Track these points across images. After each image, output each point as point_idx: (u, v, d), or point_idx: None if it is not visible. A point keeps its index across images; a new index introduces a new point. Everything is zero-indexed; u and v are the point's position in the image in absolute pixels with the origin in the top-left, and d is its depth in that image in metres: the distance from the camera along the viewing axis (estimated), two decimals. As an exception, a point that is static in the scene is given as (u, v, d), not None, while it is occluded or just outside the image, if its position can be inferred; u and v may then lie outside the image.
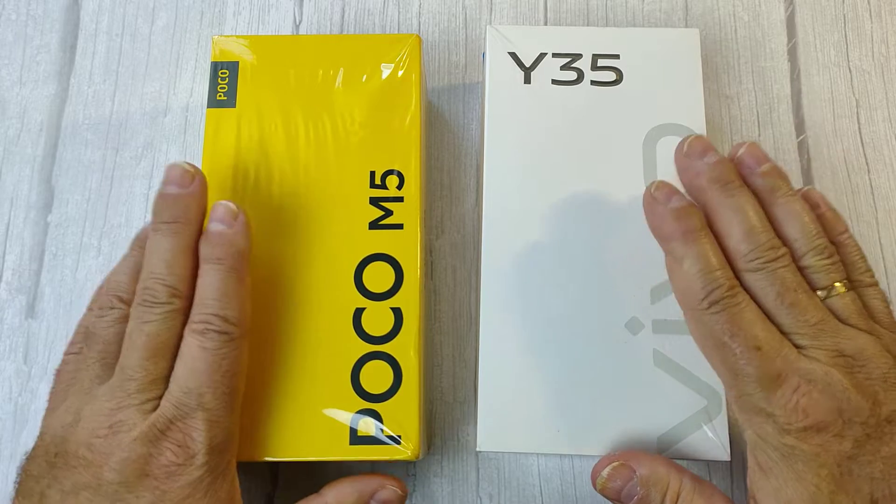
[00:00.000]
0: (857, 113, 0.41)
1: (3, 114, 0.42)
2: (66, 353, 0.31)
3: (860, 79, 0.42)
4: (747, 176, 0.31)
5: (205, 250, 0.30)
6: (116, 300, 0.31)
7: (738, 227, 0.29)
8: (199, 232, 0.31)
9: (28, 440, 0.37)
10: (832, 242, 0.30)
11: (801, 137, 0.41)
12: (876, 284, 0.31)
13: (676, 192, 0.31)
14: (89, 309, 0.31)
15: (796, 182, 0.40)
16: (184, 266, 0.30)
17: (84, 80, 0.43)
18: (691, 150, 0.31)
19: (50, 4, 0.44)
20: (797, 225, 0.30)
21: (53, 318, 0.39)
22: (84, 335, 0.31)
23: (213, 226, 0.31)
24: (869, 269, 0.31)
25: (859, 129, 0.41)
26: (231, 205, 0.31)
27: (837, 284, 0.29)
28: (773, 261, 0.29)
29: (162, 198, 0.31)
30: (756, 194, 0.31)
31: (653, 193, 0.31)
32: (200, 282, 0.30)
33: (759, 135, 0.41)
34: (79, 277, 0.39)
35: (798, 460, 0.27)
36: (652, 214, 0.31)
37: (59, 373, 0.30)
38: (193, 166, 0.32)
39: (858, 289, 0.30)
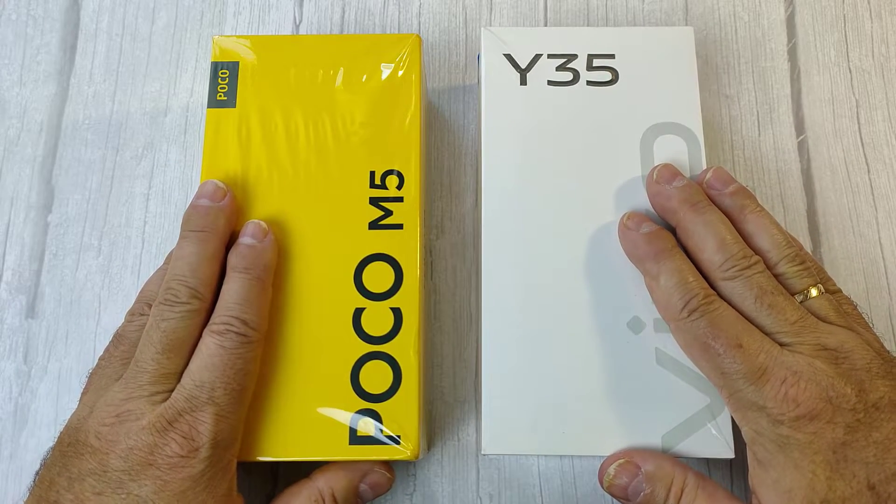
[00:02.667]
0: (857, 113, 0.41)
1: (3, 114, 0.42)
2: (99, 359, 0.32)
3: (860, 79, 0.42)
4: (716, 197, 0.33)
5: (234, 260, 0.32)
6: (146, 307, 0.32)
7: (710, 241, 0.31)
8: (225, 244, 0.33)
9: (28, 440, 0.37)
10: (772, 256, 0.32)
11: (801, 137, 0.41)
12: (840, 291, 0.33)
13: (647, 219, 0.33)
14: (124, 318, 0.33)
15: (796, 183, 0.40)
16: (207, 272, 0.31)
17: (84, 80, 0.43)
18: (661, 177, 0.33)
19: (50, 4, 0.44)
20: (767, 237, 0.32)
21: (53, 318, 0.39)
22: (114, 341, 0.32)
23: (244, 240, 0.32)
24: (830, 280, 0.33)
25: (859, 129, 0.41)
26: (262, 223, 0.33)
27: (812, 288, 0.31)
28: (747, 268, 0.31)
29: (193, 209, 0.33)
30: (726, 213, 0.33)
31: (625, 223, 0.33)
32: (226, 287, 0.31)
33: (759, 135, 0.41)
34: (79, 277, 0.39)
35: (794, 449, 0.27)
36: (626, 241, 0.33)
37: (89, 376, 0.31)
38: (226, 185, 0.33)
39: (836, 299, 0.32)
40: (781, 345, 0.29)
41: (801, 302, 0.31)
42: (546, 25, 0.43)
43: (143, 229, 0.40)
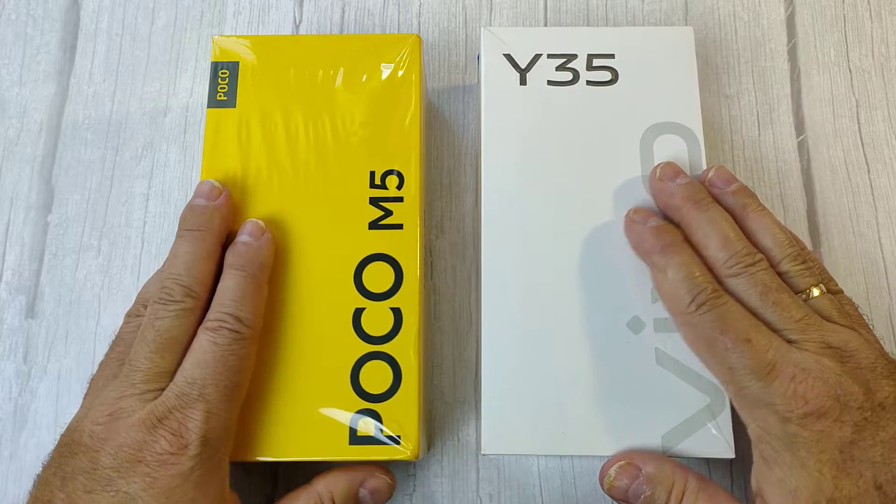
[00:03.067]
0: (857, 113, 0.41)
1: (3, 114, 0.42)
2: (99, 364, 0.32)
3: (860, 79, 0.42)
4: (718, 196, 0.33)
5: (230, 258, 0.32)
6: (143, 308, 0.32)
7: (714, 238, 0.31)
8: (221, 243, 0.33)
9: (28, 440, 0.37)
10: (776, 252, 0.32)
11: (801, 137, 0.41)
12: (842, 292, 0.33)
13: (653, 214, 0.33)
14: (123, 320, 0.33)
15: (796, 183, 0.40)
16: (202, 270, 0.31)
17: (84, 80, 0.43)
18: (664, 175, 0.34)
19: (50, 4, 0.44)
20: (769, 236, 0.32)
21: (53, 318, 0.39)
22: (113, 344, 0.32)
23: (242, 238, 0.32)
24: (833, 279, 0.33)
25: (859, 129, 0.41)
26: (260, 222, 0.33)
27: (814, 288, 0.31)
28: (751, 265, 0.31)
29: (189, 208, 0.33)
30: (728, 211, 0.33)
31: (632, 217, 0.33)
32: (221, 285, 0.31)
33: (760, 135, 0.41)
34: (79, 277, 0.39)
35: (801, 448, 0.27)
36: (632, 234, 0.33)
37: (90, 382, 0.31)
38: (222, 184, 0.34)
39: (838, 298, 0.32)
40: (788, 341, 0.29)
41: (804, 301, 0.31)
42: (546, 25, 0.43)
43: (143, 229, 0.40)
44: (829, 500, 0.26)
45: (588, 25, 0.43)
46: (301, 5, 0.44)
